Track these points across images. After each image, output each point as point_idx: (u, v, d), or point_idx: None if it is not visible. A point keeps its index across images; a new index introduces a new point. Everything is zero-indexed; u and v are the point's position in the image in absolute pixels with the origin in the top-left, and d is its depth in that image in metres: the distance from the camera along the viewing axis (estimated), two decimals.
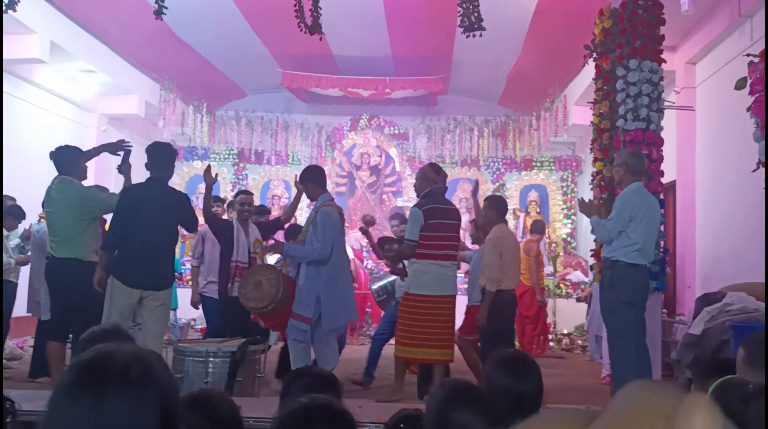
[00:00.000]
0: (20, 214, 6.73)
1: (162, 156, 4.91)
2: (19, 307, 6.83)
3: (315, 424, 1.57)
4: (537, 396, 2.26)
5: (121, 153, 5.29)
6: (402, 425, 2.03)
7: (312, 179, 5.36)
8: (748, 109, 3.32)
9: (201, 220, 6.13)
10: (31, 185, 6.95)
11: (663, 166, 5.55)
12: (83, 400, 1.12)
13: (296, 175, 5.86)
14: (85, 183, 5.45)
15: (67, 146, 5.28)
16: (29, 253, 6.73)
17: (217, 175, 5.99)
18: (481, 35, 5.17)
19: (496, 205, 6.13)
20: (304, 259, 5.14)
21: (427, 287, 5.12)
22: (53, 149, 5.19)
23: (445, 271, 5.20)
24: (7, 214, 6.70)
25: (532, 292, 8.68)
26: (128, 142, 5.34)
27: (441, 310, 5.19)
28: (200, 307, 6.71)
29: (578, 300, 10.15)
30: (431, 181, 5.35)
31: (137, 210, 4.72)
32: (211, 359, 3.64)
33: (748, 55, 3.43)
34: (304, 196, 5.68)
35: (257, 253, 5.82)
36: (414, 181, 5.59)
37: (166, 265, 4.84)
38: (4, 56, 7.98)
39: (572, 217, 11.95)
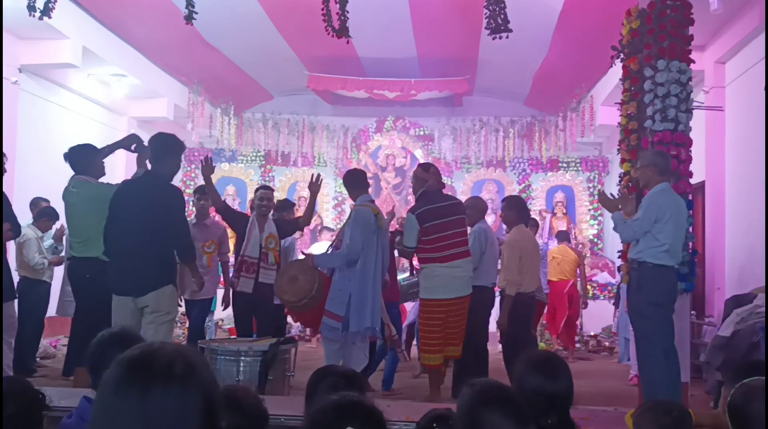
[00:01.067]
0: (54, 215, 6.88)
1: (162, 148, 4.56)
2: (53, 308, 6.97)
3: (346, 421, 1.60)
4: (568, 396, 2.27)
5: (135, 146, 5.13)
6: (435, 425, 2.06)
7: (350, 183, 5.43)
8: None
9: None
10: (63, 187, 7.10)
11: (691, 167, 5.51)
12: (130, 395, 1.17)
13: (312, 176, 5.78)
14: (117, 180, 5.53)
15: (81, 145, 5.20)
16: (62, 254, 6.85)
17: (213, 165, 5.75)
18: (507, 37, 5.16)
19: (516, 206, 6.05)
20: (337, 264, 5.10)
21: (438, 291, 5.12)
22: (67, 149, 5.10)
23: (454, 271, 5.16)
24: (42, 215, 6.85)
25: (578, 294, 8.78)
26: (136, 136, 5.21)
27: (456, 311, 5.21)
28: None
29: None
30: (421, 180, 5.38)
31: (121, 208, 4.48)
32: (243, 358, 3.69)
33: None
34: (320, 197, 5.86)
35: (270, 249, 5.75)
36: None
37: (146, 267, 4.32)
38: (39, 61, 8.18)
39: (599, 218, 11.87)
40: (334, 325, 4.95)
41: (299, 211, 7.98)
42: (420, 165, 5.72)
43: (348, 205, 12.08)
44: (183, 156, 4.90)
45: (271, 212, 6.17)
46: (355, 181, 5.41)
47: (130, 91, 10.00)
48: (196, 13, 5.13)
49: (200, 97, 11.08)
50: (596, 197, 11.68)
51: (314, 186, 5.66)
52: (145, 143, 4.88)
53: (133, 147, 5.10)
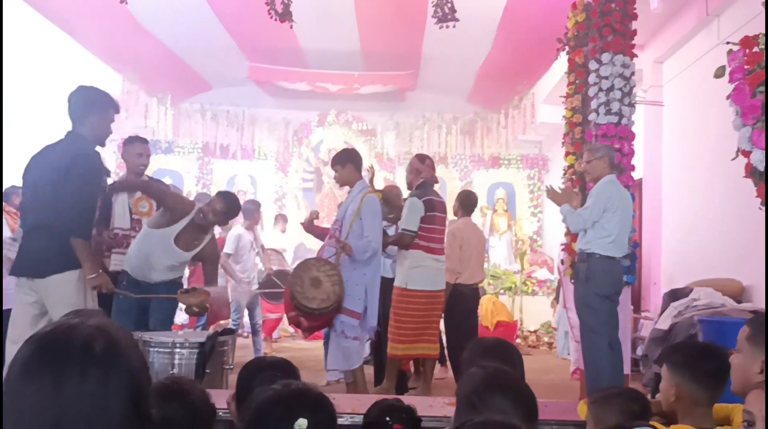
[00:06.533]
0: None
1: (81, 105, 3.77)
2: None
3: (296, 411, 1.48)
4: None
5: None
6: (388, 419, 1.94)
7: (352, 160, 5.04)
8: (728, 97, 3.31)
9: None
10: None
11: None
12: (41, 379, 1.00)
13: None
14: None
15: None
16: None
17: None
18: (454, 26, 5.11)
19: (461, 199, 6.35)
20: (364, 255, 4.71)
21: (424, 282, 5.00)
22: None
23: (439, 265, 5.11)
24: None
25: None
26: None
27: (436, 304, 5.12)
28: None
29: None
30: (417, 171, 5.25)
31: (30, 174, 3.77)
32: (178, 350, 3.48)
33: (728, 43, 3.42)
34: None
35: (143, 214, 4.82)
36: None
37: (47, 242, 3.55)
38: None
39: (539, 215, 12.00)
40: (353, 323, 4.67)
41: None
42: (416, 156, 5.49)
43: (291, 199, 11.88)
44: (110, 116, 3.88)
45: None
46: (357, 162, 5.08)
47: (60, 78, 9.53)
48: None
49: (135, 86, 10.68)
50: (537, 194, 11.87)
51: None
52: None
53: None
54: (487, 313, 9.09)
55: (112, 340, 1.05)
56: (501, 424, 1.38)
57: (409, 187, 5.32)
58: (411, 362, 5.75)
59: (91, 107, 3.78)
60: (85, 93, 3.82)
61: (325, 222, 11.33)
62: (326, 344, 6.23)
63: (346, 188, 12.38)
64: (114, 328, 1.09)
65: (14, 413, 0.99)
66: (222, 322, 6.93)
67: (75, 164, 3.58)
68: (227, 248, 7.02)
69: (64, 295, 3.50)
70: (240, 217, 6.61)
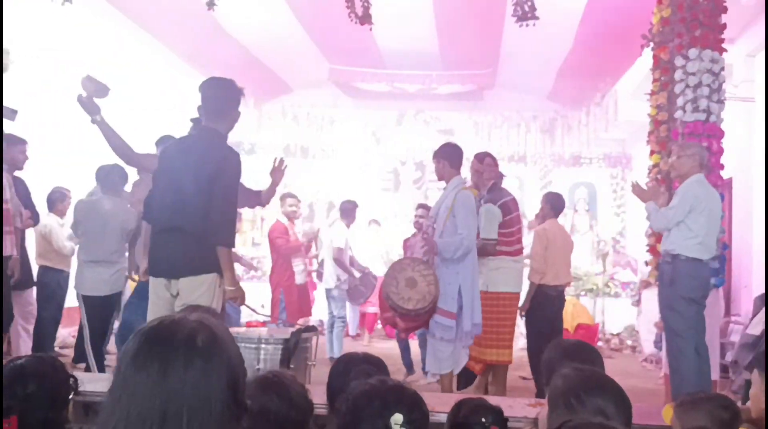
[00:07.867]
0: (63, 195, 6.82)
1: (223, 99, 3.58)
2: (71, 297, 6.93)
3: (392, 407, 1.53)
4: None
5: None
6: (483, 419, 1.95)
7: (447, 157, 4.80)
8: None
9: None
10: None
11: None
12: (149, 369, 1.09)
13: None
14: None
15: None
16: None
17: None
18: (534, 24, 5.06)
19: (551, 201, 6.24)
20: (455, 254, 4.55)
21: (506, 284, 4.97)
22: None
23: (519, 266, 5.07)
24: (53, 201, 6.76)
25: None
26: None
27: (515, 306, 5.10)
28: None
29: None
30: (477, 172, 5.17)
31: (163, 172, 3.63)
32: (263, 345, 3.58)
33: None
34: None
35: None
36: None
37: (183, 245, 3.46)
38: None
39: (622, 215, 11.67)
40: (447, 323, 4.52)
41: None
42: (475, 156, 5.34)
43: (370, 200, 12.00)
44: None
45: None
46: (453, 157, 4.80)
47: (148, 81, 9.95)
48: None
49: None
50: (621, 194, 11.54)
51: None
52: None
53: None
54: (567, 315, 8.92)
55: (213, 334, 1.13)
56: (601, 427, 1.36)
57: (476, 189, 5.19)
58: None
59: (235, 103, 3.60)
60: (229, 86, 3.60)
61: (404, 220, 11.42)
62: (421, 344, 6.30)
63: (423, 188, 12.40)
64: (214, 323, 1.17)
65: (126, 399, 1.09)
66: (301, 320, 7.08)
67: (224, 169, 3.44)
68: (338, 243, 6.98)
69: (194, 296, 3.43)
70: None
